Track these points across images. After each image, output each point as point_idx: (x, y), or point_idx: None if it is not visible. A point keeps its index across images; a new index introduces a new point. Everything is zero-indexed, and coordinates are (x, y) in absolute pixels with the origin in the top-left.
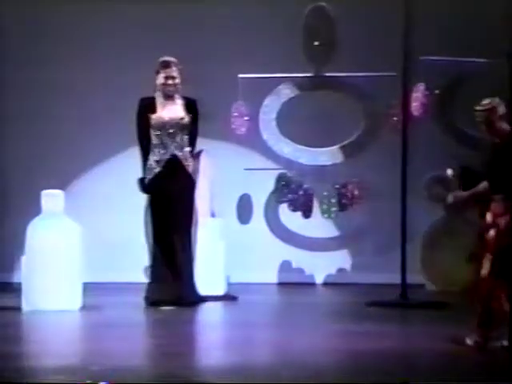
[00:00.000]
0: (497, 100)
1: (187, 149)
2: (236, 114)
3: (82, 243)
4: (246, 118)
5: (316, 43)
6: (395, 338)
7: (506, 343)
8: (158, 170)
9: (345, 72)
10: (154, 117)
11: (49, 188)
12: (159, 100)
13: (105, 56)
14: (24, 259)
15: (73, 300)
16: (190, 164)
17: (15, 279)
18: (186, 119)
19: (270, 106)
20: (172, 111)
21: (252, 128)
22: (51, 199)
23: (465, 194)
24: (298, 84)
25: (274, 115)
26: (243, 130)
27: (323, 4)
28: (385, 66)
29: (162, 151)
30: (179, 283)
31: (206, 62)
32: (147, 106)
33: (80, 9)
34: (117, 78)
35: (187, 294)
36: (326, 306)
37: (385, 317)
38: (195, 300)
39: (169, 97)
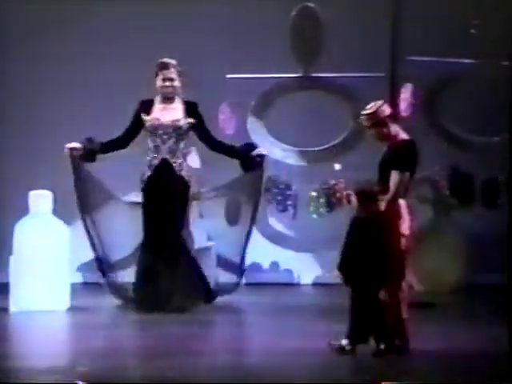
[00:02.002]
0: (380, 102)
1: (181, 153)
2: (224, 114)
3: (71, 243)
4: (233, 119)
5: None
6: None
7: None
8: (148, 174)
9: (333, 72)
10: (148, 119)
11: (37, 188)
12: (157, 102)
13: (96, 56)
14: (11, 259)
15: (60, 300)
16: (182, 168)
17: (3, 280)
18: (182, 122)
19: (258, 107)
20: (168, 114)
21: (240, 129)
22: (39, 199)
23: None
24: (286, 84)
25: (261, 116)
26: (231, 130)
27: (311, 4)
28: (373, 66)
29: (154, 155)
30: (169, 291)
31: (193, 63)
32: (144, 109)
33: (74, 9)
34: (108, 77)
35: (176, 301)
36: (315, 306)
37: None
38: (183, 307)
39: (168, 99)
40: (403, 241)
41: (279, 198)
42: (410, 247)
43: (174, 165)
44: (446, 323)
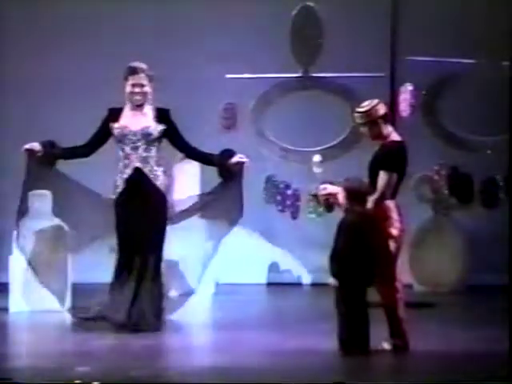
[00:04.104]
0: (376, 101)
1: (154, 161)
2: (223, 114)
3: (71, 244)
4: (233, 119)
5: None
6: (383, 339)
7: (386, 346)
8: (122, 185)
9: (333, 72)
10: (116, 126)
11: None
12: (127, 109)
13: (97, 57)
14: (11, 259)
15: (60, 301)
16: (158, 176)
17: (3, 279)
18: (152, 129)
19: (258, 107)
20: (138, 121)
21: (240, 129)
22: (38, 199)
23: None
24: (286, 84)
25: (261, 116)
26: (231, 131)
27: (311, 4)
28: (373, 66)
29: (125, 163)
30: (137, 309)
31: (193, 63)
32: (113, 116)
33: (70, 8)
34: (109, 78)
35: (145, 320)
36: (314, 306)
37: (373, 317)
38: (153, 327)
39: (137, 106)
40: (391, 242)
41: (279, 197)
42: (399, 248)
43: (148, 174)
44: (445, 323)
